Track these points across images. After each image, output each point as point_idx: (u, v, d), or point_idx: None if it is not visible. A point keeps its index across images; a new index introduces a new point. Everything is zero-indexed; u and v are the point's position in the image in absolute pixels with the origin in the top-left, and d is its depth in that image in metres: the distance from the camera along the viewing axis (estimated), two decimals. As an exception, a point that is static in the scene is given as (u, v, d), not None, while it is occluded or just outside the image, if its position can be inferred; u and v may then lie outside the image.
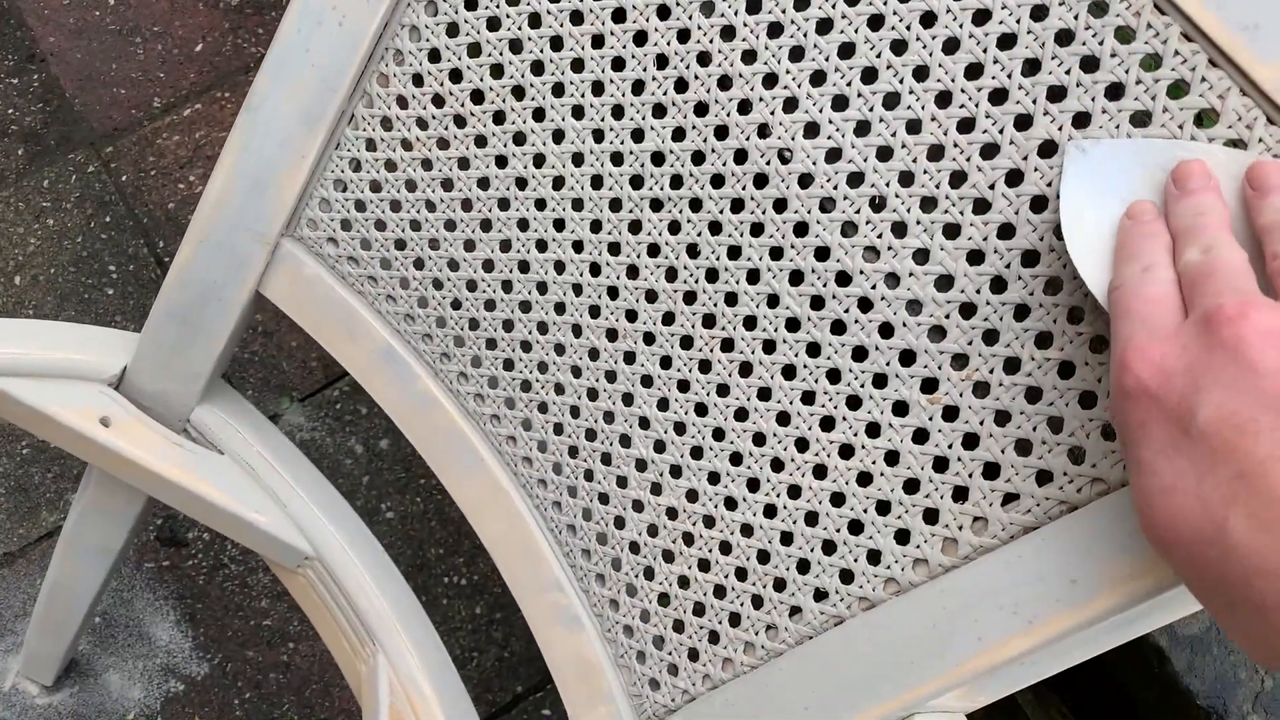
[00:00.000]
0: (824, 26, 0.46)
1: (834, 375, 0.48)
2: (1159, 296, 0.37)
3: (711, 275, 0.51)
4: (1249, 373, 0.32)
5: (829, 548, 0.48)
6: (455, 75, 0.55)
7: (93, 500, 0.77)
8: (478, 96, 0.55)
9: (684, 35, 0.49)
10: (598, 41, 0.51)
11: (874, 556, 0.47)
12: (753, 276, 0.50)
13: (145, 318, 0.65)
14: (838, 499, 0.48)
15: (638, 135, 0.51)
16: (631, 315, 0.53)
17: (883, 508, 0.47)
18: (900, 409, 0.46)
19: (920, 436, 0.46)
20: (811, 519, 0.49)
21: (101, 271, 1.18)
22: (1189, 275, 0.37)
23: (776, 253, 0.49)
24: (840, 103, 0.47)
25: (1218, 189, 0.39)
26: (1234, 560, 0.32)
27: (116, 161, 1.21)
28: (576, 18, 0.51)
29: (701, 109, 0.50)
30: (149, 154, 1.21)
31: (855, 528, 0.48)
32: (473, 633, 1.06)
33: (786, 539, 0.50)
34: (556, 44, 0.52)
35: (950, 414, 0.45)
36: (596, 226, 0.54)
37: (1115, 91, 0.42)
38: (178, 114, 1.22)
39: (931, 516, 0.45)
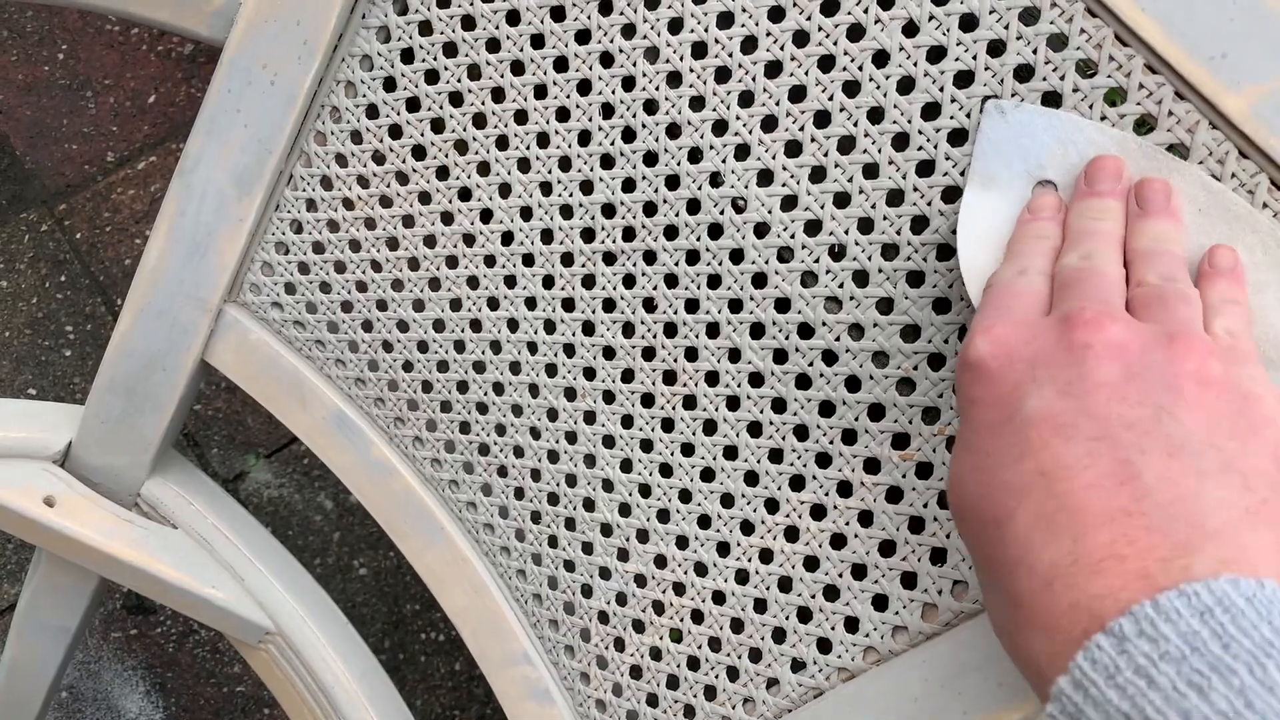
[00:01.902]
0: (773, 70, 0.44)
1: (801, 432, 0.46)
2: (1025, 292, 0.37)
3: (670, 330, 0.49)
4: (1085, 380, 0.32)
5: (804, 615, 0.46)
6: (395, 131, 0.52)
7: (44, 579, 0.74)
8: (419, 152, 0.52)
9: (629, 83, 0.47)
10: (540, 92, 0.49)
11: (851, 624, 0.45)
12: (712, 330, 0.47)
13: None
14: (811, 563, 0.46)
15: (587, 187, 0.49)
16: (590, 373, 0.51)
17: (859, 572, 0.44)
18: (872, 466, 0.44)
19: (894, 495, 0.44)
20: (785, 585, 0.46)
21: (58, 333, 1.15)
22: (1062, 278, 0.37)
23: (735, 305, 0.47)
24: (794, 149, 0.44)
25: (1124, 194, 0.38)
26: (1008, 548, 0.32)
27: (70, 219, 1.18)
28: (517, 68, 0.49)
29: (651, 159, 0.48)
30: (104, 210, 1.18)
31: (831, 593, 0.45)
32: (453, 690, 1.03)
33: (760, 606, 0.47)
34: (498, 95, 0.50)
35: (924, 470, 0.43)
36: (549, 282, 0.51)
37: (1079, 128, 0.40)
38: (132, 167, 1.19)
39: (909, 580, 0.43)
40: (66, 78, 1.22)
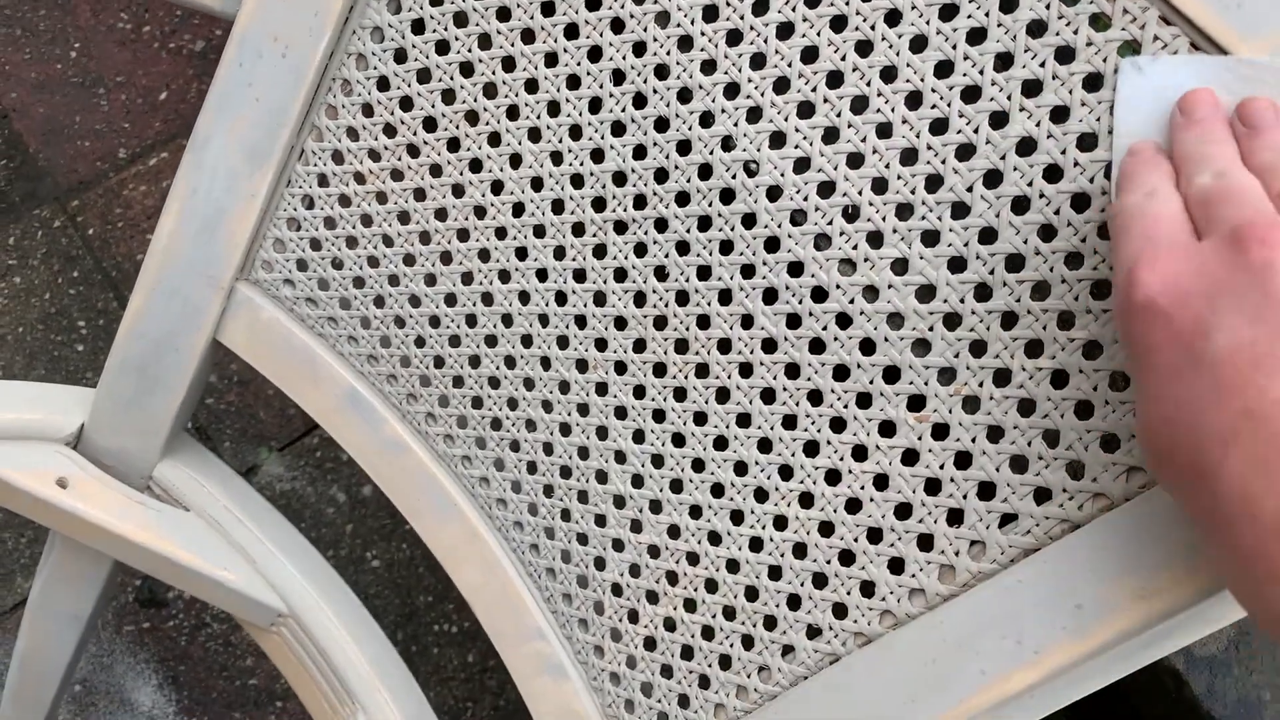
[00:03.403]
0: (784, 31, 0.44)
1: (815, 397, 0.45)
2: (1167, 215, 0.34)
3: (682, 298, 0.48)
4: (1274, 301, 0.29)
5: (820, 580, 0.45)
6: (406, 103, 0.52)
7: (58, 566, 0.74)
8: (430, 124, 0.52)
9: (640, 48, 0.47)
10: (551, 60, 0.49)
11: (867, 588, 0.44)
12: (724, 297, 0.47)
13: None
14: (826, 528, 0.45)
15: (597, 155, 0.49)
16: (601, 344, 0.51)
17: (874, 535, 0.44)
18: (887, 429, 0.44)
19: (910, 458, 0.43)
20: (800, 551, 0.46)
21: (71, 328, 1.15)
22: (1203, 197, 0.33)
23: (748, 270, 0.47)
24: (806, 109, 0.44)
25: (1225, 120, 0.36)
26: (1224, 501, 0.30)
27: (83, 215, 1.19)
28: (528, 36, 0.49)
29: (662, 124, 0.47)
30: (116, 206, 1.19)
31: (846, 558, 0.45)
32: (466, 682, 1.03)
33: (775, 573, 0.47)
34: (508, 65, 0.50)
35: (940, 432, 0.42)
36: (560, 253, 0.51)
37: (1093, 82, 0.39)
38: (144, 164, 1.20)
39: (926, 543, 0.43)
40: (79, 75, 1.22)
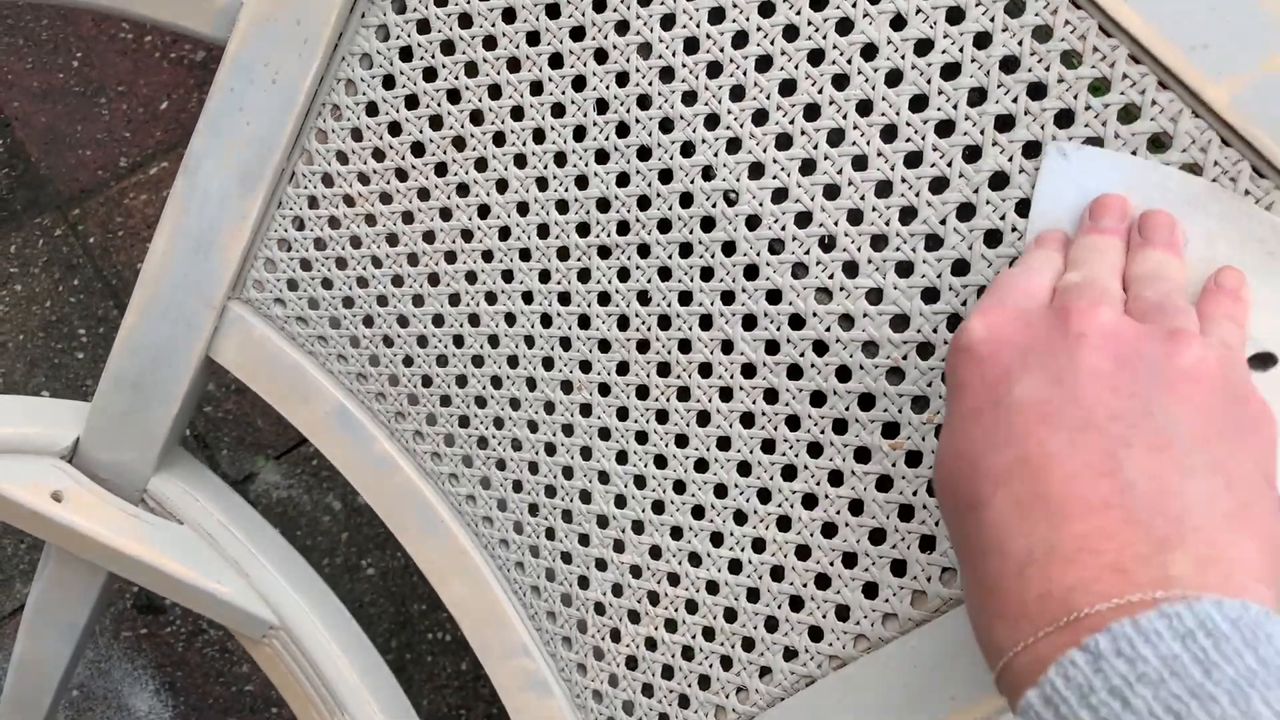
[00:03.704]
0: (763, 64, 0.45)
1: (793, 422, 0.46)
2: (1027, 285, 0.37)
3: (664, 322, 0.49)
4: (1076, 368, 0.32)
5: (796, 604, 0.46)
6: (394, 128, 0.53)
7: (53, 576, 0.75)
8: (418, 149, 0.53)
9: (623, 79, 0.48)
10: (536, 88, 0.50)
11: (842, 612, 0.45)
12: (705, 322, 0.48)
13: None
14: (803, 552, 0.46)
15: (581, 182, 0.50)
16: (585, 366, 0.52)
17: (849, 560, 0.45)
18: (862, 455, 0.44)
19: (884, 484, 0.44)
20: (777, 574, 0.47)
21: (71, 336, 1.16)
22: (1065, 285, 0.36)
23: (728, 297, 0.47)
24: (784, 141, 0.45)
25: (1125, 233, 0.38)
26: (983, 533, 0.32)
27: (84, 223, 1.20)
28: (513, 65, 0.50)
29: (644, 153, 0.48)
30: (116, 214, 1.20)
31: (822, 582, 0.46)
32: (459, 689, 1.03)
33: (753, 595, 0.47)
34: (494, 92, 0.51)
35: (913, 459, 0.43)
36: (545, 276, 0.52)
37: (1065, 118, 0.40)
38: (144, 173, 1.21)
39: (899, 568, 0.43)
40: (80, 84, 1.23)
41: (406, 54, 0.52)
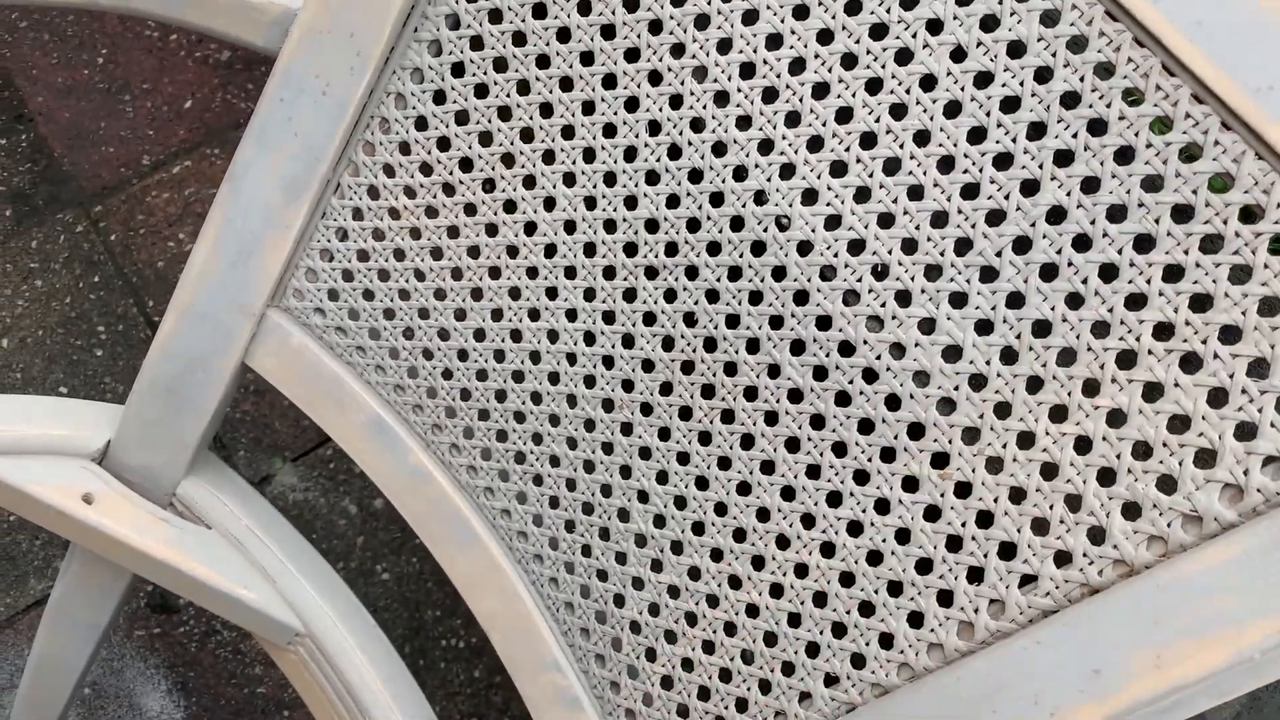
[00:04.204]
0: (819, 91, 0.45)
1: (840, 449, 0.46)
2: None
3: (710, 344, 0.49)
4: None
5: (839, 630, 0.46)
6: (443, 143, 0.53)
7: (78, 576, 0.75)
8: (466, 165, 0.53)
9: (676, 101, 0.48)
10: (588, 108, 0.50)
11: (886, 640, 0.45)
12: (752, 346, 0.48)
13: (134, 378, 0.63)
14: (847, 579, 0.46)
15: (631, 202, 0.50)
16: (628, 385, 0.52)
17: (894, 588, 0.45)
18: (910, 484, 0.44)
19: (932, 514, 0.44)
20: (820, 599, 0.47)
21: (90, 332, 1.16)
22: None
23: (776, 321, 0.47)
24: (839, 168, 0.45)
25: None
26: None
27: (105, 220, 1.20)
28: (566, 84, 0.50)
29: (696, 176, 0.48)
30: (138, 212, 1.20)
31: (866, 609, 0.46)
32: (472, 697, 1.03)
33: (794, 620, 0.47)
34: (546, 111, 0.51)
35: (962, 490, 0.43)
36: (591, 295, 0.52)
37: (1124, 155, 0.40)
38: (167, 171, 1.21)
39: (946, 598, 0.43)
40: (105, 81, 1.23)
41: (458, 69, 0.52)
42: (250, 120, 0.55)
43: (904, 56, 0.43)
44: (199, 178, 1.20)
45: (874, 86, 0.44)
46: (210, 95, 1.23)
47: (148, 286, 1.17)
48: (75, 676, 0.85)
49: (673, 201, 0.49)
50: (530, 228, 0.52)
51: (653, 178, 0.49)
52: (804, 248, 0.46)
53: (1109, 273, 0.40)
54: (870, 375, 0.45)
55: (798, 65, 0.45)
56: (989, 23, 0.42)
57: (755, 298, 0.48)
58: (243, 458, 1.11)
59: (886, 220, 0.44)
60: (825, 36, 0.45)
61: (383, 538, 1.08)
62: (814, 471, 0.47)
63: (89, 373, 1.15)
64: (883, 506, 0.45)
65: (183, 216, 1.20)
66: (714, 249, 0.48)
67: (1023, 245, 0.42)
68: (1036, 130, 0.42)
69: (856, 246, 0.45)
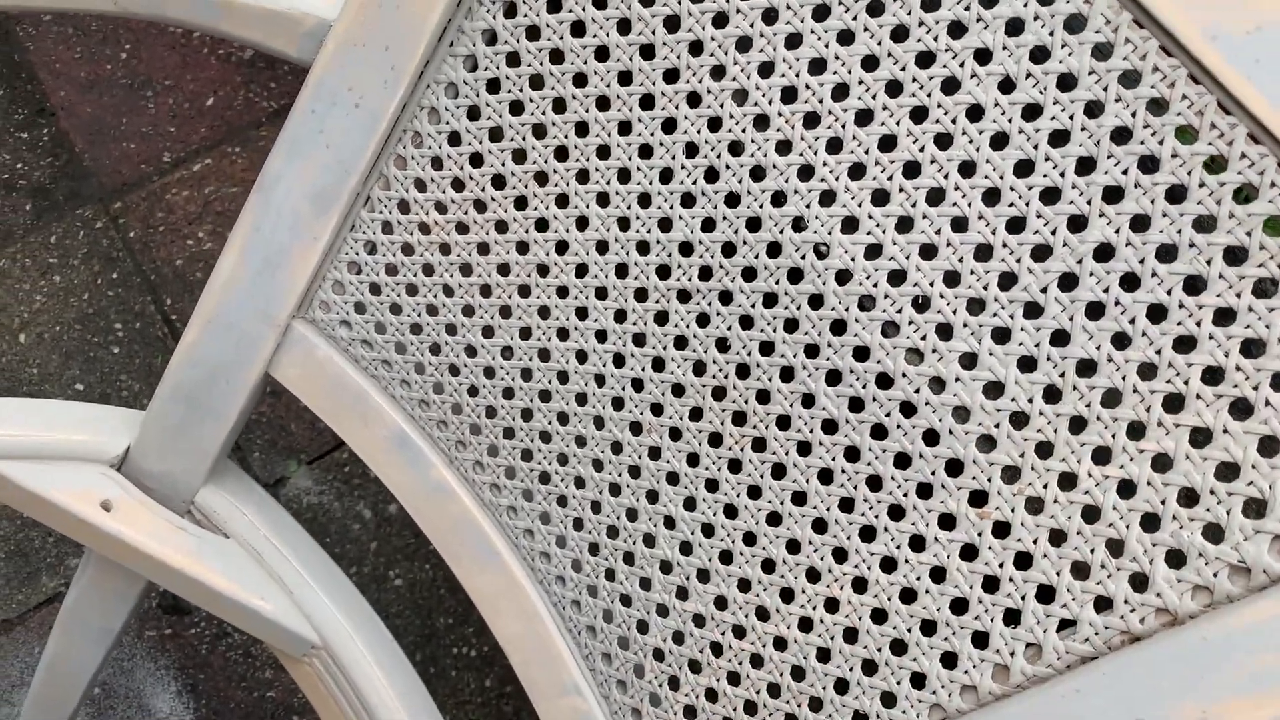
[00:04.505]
0: (863, 118, 0.44)
1: (874, 482, 0.45)
2: None
3: (742, 371, 0.48)
4: None
5: (869, 667, 0.46)
6: (476, 160, 0.52)
7: (93, 580, 0.75)
8: (499, 182, 0.52)
9: (715, 124, 0.47)
10: (624, 128, 0.49)
11: (918, 680, 0.44)
12: (786, 375, 0.47)
13: (151, 376, 0.63)
14: (879, 615, 0.45)
15: (665, 224, 0.49)
16: (657, 409, 0.51)
17: (928, 628, 0.44)
18: (947, 522, 0.44)
19: (969, 553, 0.43)
20: (851, 635, 0.46)
21: (107, 329, 1.16)
22: None
23: (812, 350, 0.47)
24: (880, 197, 0.44)
25: None
26: None
27: (125, 217, 1.19)
28: (603, 103, 0.49)
29: (732, 199, 0.48)
30: (158, 210, 1.19)
31: (898, 647, 0.45)
32: (482, 706, 1.03)
33: (823, 655, 0.47)
34: (582, 129, 0.50)
35: (1001, 530, 0.42)
36: (621, 316, 0.51)
37: (1176, 194, 0.39)
38: (187, 169, 1.21)
39: (981, 640, 0.43)
40: (128, 77, 1.23)
41: (494, 86, 0.51)
42: (281, 130, 0.54)
43: (950, 85, 0.43)
44: (219, 176, 1.20)
45: (919, 114, 0.43)
46: (233, 93, 1.23)
47: (166, 284, 1.17)
48: (86, 678, 0.84)
49: (708, 225, 0.48)
50: (561, 246, 0.52)
51: (688, 200, 0.48)
52: (843, 276, 0.45)
53: (1157, 313, 0.40)
54: (908, 409, 0.44)
55: (840, 90, 0.45)
56: (1038, 54, 0.41)
57: (791, 325, 0.47)
58: (258, 459, 1.10)
59: (929, 251, 0.44)
60: (870, 63, 0.44)
61: (396, 543, 1.08)
62: (847, 505, 0.46)
63: (105, 369, 1.15)
64: (918, 543, 0.44)
65: (202, 215, 1.19)
66: (749, 274, 0.48)
67: (1069, 282, 0.41)
68: (1085, 165, 0.41)
69: (897, 277, 0.44)
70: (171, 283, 1.16)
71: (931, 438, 0.44)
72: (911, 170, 0.44)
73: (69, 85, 1.23)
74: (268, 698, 1.03)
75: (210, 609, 0.67)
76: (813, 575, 0.47)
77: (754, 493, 0.49)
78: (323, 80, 0.52)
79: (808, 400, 0.47)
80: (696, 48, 0.47)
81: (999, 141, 0.42)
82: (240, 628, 0.67)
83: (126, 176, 1.19)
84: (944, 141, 0.43)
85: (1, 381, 1.16)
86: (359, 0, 0.51)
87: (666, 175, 0.49)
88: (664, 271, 0.50)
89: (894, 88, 0.44)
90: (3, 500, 0.64)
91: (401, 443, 0.59)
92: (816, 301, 0.46)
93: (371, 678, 0.66)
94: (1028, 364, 0.42)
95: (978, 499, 0.43)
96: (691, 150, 0.48)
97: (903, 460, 0.45)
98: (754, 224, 0.47)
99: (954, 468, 0.43)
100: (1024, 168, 0.42)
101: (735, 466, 0.49)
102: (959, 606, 0.43)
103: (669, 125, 0.48)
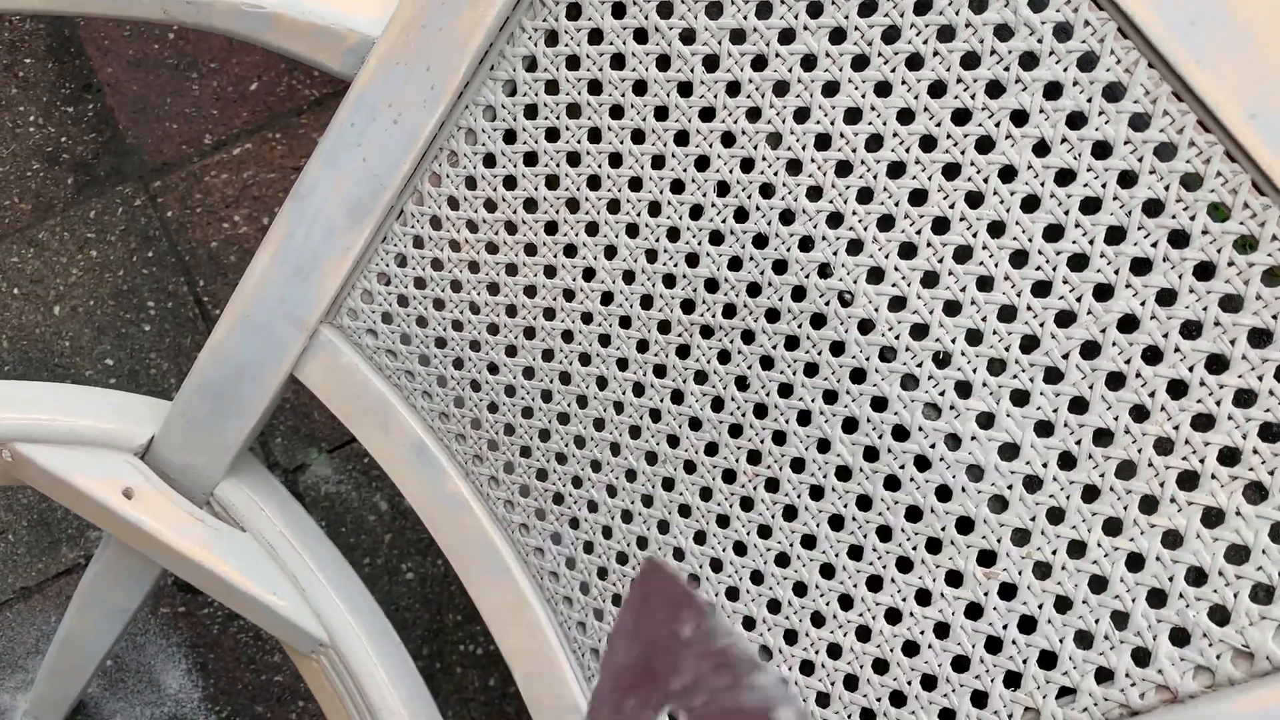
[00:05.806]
0: (895, 170, 0.44)
1: (884, 533, 0.46)
2: None
3: (760, 411, 0.49)
4: None
5: (867, 716, 0.46)
6: (509, 182, 0.53)
7: (111, 562, 0.76)
8: (530, 205, 0.53)
9: (748, 165, 0.47)
10: (657, 162, 0.49)
11: (915, 733, 0.44)
12: (803, 418, 0.48)
13: (180, 356, 0.64)
14: (880, 665, 0.46)
15: (692, 260, 0.50)
16: (673, 440, 0.51)
17: (928, 682, 0.44)
18: (954, 579, 0.44)
19: (973, 611, 0.43)
20: (851, 683, 0.46)
21: (140, 307, 1.18)
22: None
23: (830, 396, 0.47)
24: (908, 250, 0.44)
25: None
26: None
27: (163, 196, 1.21)
28: (637, 136, 0.50)
29: (760, 240, 0.48)
30: (196, 191, 1.21)
31: (897, 699, 0.45)
32: (485, 705, 1.04)
33: (823, 700, 0.47)
34: (615, 160, 0.50)
35: (1007, 592, 0.43)
36: (643, 346, 0.52)
37: (1205, 271, 0.39)
38: (227, 152, 1.22)
39: (979, 700, 0.43)
40: (175, 57, 1.24)
41: (531, 111, 0.51)
42: (320, 140, 0.55)
43: (985, 145, 0.43)
44: (258, 161, 1.21)
45: (951, 171, 0.43)
46: (276, 79, 1.24)
47: (199, 266, 1.19)
48: (100, 654, 0.86)
49: (735, 264, 0.48)
50: (589, 274, 0.52)
51: (716, 238, 0.49)
52: (865, 326, 0.46)
53: (1178, 389, 0.40)
54: (922, 463, 0.44)
55: (874, 141, 0.45)
56: (1075, 120, 0.41)
57: (811, 370, 0.47)
58: (279, 444, 1.12)
59: (953, 308, 0.44)
60: (906, 116, 0.44)
61: (411, 537, 1.09)
62: (856, 552, 0.46)
63: (135, 346, 1.17)
64: (924, 598, 0.44)
65: (239, 199, 1.21)
66: (772, 316, 0.48)
67: (1091, 350, 0.41)
68: (1115, 235, 0.41)
69: (919, 331, 0.44)
70: (205, 264, 1.18)
71: (944, 493, 0.44)
72: (940, 226, 0.44)
73: (117, 62, 1.24)
74: (275, 681, 1.04)
75: (223, 600, 0.68)
76: (817, 619, 0.47)
77: (764, 532, 0.49)
78: (363, 96, 0.53)
79: (823, 445, 0.47)
80: (734, 88, 0.47)
81: (1030, 204, 0.42)
82: (251, 620, 0.68)
83: (167, 156, 1.20)
84: (974, 200, 0.43)
85: (34, 353, 1.18)
86: (403, 20, 0.51)
87: (696, 212, 0.49)
88: (689, 306, 0.50)
89: (928, 143, 0.44)
90: (28, 482, 0.65)
91: (420, 452, 0.59)
92: (838, 348, 0.46)
93: (378, 681, 0.67)
94: (1045, 429, 0.42)
95: (986, 559, 0.43)
96: (723, 189, 0.48)
97: (914, 514, 0.45)
98: (780, 266, 0.47)
99: (964, 525, 0.44)
100: (1053, 232, 0.42)
101: (747, 504, 0.49)
102: (960, 664, 0.43)
103: (702, 163, 0.48)
